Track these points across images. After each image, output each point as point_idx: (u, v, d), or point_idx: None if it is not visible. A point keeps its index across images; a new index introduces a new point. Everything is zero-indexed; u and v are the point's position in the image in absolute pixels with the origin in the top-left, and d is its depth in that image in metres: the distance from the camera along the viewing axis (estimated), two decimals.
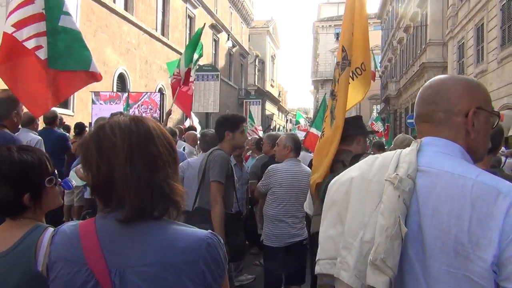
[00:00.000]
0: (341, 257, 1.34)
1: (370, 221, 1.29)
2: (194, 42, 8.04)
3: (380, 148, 8.16)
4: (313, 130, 8.73)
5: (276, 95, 54.23)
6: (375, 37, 45.35)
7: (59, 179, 1.85)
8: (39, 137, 4.66)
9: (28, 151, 1.76)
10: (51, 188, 1.78)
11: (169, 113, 7.38)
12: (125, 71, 19.34)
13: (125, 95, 12.79)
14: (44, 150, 5.14)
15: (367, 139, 4.39)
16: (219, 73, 13.52)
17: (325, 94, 12.84)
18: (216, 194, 3.52)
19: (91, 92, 15.07)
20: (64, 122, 7.68)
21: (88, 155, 1.24)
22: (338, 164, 2.95)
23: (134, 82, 19.99)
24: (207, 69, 13.68)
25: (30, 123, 4.80)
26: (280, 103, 58.57)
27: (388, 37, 39.58)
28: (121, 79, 19.26)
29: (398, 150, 1.39)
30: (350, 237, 1.33)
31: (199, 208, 3.70)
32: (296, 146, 4.37)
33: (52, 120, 6.36)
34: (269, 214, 4.26)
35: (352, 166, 1.51)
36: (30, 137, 4.54)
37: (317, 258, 1.48)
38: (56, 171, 1.83)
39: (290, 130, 24.01)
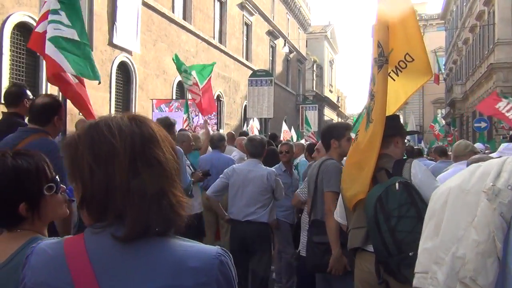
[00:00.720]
0: (431, 272, 1.28)
1: (464, 235, 1.20)
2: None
3: (442, 154, 7.70)
4: (352, 135, 8.48)
5: (335, 100, 53.49)
6: (439, 39, 43.60)
7: (63, 186, 1.68)
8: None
9: (25, 156, 1.59)
10: (51, 196, 1.59)
11: (207, 121, 7.68)
12: None
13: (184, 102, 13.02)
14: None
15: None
16: (273, 78, 13.41)
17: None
18: (330, 204, 3.39)
19: (152, 100, 15.55)
20: None
21: (78, 159, 1.03)
22: (381, 173, 2.67)
23: None
24: (261, 74, 13.60)
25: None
26: (339, 108, 57.71)
27: (452, 38, 37.89)
28: (180, 87, 19.70)
29: (504, 157, 1.26)
30: (442, 252, 1.26)
31: (315, 221, 3.63)
32: None
33: None
34: (307, 221, 4.02)
35: (456, 175, 1.38)
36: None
37: (414, 271, 1.42)
38: (57, 177, 1.65)
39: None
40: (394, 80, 2.88)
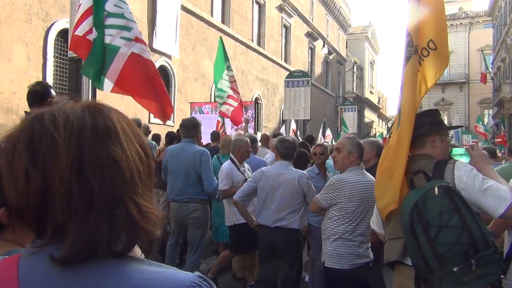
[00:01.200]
0: None
1: None
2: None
3: (492, 155, 7.28)
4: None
5: (375, 102, 52.45)
6: (486, 36, 41.94)
7: None
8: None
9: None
10: None
11: (247, 121, 7.53)
12: None
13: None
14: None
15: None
16: (309, 78, 13.05)
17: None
18: None
19: (190, 103, 15.66)
20: (151, 131, 7.75)
21: (13, 158, 0.80)
22: (418, 177, 2.28)
23: None
24: (297, 75, 13.29)
25: None
26: (380, 110, 56.53)
27: (500, 35, 36.32)
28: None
29: None
30: None
31: None
32: (362, 153, 3.72)
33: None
34: (334, 231, 3.52)
35: None
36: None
37: None
38: None
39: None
40: (418, 70, 2.54)
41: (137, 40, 4.12)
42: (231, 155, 5.02)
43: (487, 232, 2.08)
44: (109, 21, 3.99)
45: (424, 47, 2.54)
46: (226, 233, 5.41)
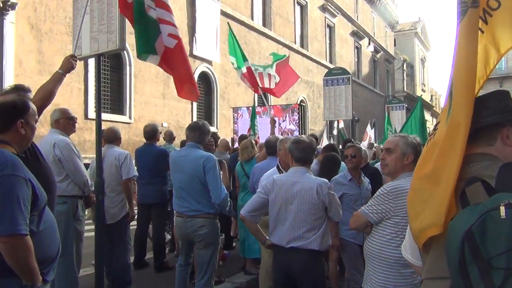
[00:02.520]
0: None
1: None
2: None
3: None
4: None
5: (428, 100, 50.45)
6: None
7: None
8: (127, 152, 4.88)
9: None
10: None
11: (274, 121, 6.92)
12: None
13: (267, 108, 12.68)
14: (134, 165, 4.79)
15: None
16: (350, 75, 12.24)
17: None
18: None
19: (232, 108, 15.46)
20: (175, 138, 7.41)
21: None
22: (474, 188, 1.38)
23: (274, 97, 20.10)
24: (337, 72, 12.52)
25: (115, 140, 4.88)
26: (434, 108, 54.32)
27: None
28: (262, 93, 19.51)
29: None
30: None
31: None
32: (418, 156, 2.68)
33: (153, 135, 5.91)
34: (386, 255, 2.68)
35: None
36: (117, 152, 4.74)
37: None
38: None
39: None
40: (483, 32, 1.67)
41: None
42: (278, 160, 4.27)
43: None
44: None
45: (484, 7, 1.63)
46: (254, 249, 5.00)
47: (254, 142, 6.22)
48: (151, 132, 5.91)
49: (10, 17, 9.68)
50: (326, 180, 3.34)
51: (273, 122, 6.85)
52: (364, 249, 2.84)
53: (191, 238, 3.97)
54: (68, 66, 3.48)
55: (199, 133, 4.03)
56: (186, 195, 3.93)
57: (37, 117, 2.30)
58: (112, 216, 4.59)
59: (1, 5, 9.43)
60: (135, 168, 4.97)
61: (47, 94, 3.17)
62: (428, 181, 1.55)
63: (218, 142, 7.57)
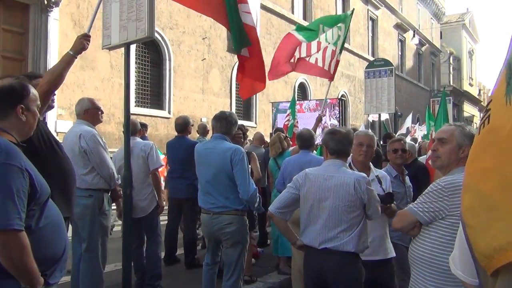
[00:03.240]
0: None
1: None
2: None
3: None
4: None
5: (475, 94, 48.45)
6: None
7: None
8: (151, 142, 4.85)
9: None
10: None
11: (320, 118, 6.38)
12: (306, 81, 19.27)
13: (308, 103, 12.46)
14: (158, 153, 4.71)
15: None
16: (393, 67, 11.60)
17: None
18: None
19: (271, 103, 15.32)
20: (208, 131, 7.15)
21: None
22: None
23: (314, 90, 19.80)
24: (379, 64, 11.92)
25: (135, 132, 4.72)
26: (481, 103, 52.15)
27: None
28: (302, 88, 19.25)
29: None
30: None
31: None
32: None
33: (184, 127, 5.79)
34: (440, 262, 2.24)
35: None
36: (142, 143, 4.66)
37: None
38: None
39: None
40: None
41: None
42: (351, 159, 3.55)
43: None
44: None
45: None
46: (287, 247, 4.80)
47: (283, 136, 5.95)
48: (182, 125, 5.79)
49: (54, 14, 9.92)
50: (364, 175, 3.01)
51: (319, 119, 6.32)
52: (410, 253, 2.46)
53: (218, 236, 3.75)
54: (79, 46, 3.25)
55: (226, 124, 3.79)
56: (212, 190, 3.71)
57: (39, 102, 2.08)
58: (142, 209, 4.50)
59: (46, 3, 9.67)
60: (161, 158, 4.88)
61: (54, 77, 2.94)
62: (490, 181, 1.18)
63: (253, 136, 7.40)
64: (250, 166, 3.93)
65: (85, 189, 3.71)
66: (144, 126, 6.20)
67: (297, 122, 8.65)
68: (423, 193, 2.37)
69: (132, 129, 4.63)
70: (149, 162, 4.56)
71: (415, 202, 2.42)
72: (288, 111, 8.84)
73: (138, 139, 4.78)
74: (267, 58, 16.51)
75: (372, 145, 3.44)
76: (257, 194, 3.68)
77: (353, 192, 2.86)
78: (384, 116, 14.43)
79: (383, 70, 11.69)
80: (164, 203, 4.91)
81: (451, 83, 39.47)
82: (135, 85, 11.91)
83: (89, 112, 3.95)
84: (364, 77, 12.60)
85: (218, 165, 3.64)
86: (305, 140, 4.78)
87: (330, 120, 12.78)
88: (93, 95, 10.61)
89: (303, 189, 3.00)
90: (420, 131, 16.05)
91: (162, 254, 5.29)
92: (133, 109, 11.64)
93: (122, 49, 12.80)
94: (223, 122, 3.79)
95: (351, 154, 3.30)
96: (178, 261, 5.65)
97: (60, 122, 9.69)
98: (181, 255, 5.70)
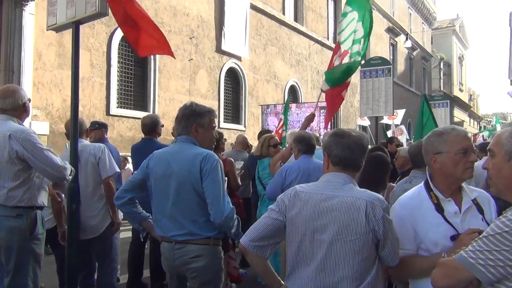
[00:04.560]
0: None
1: None
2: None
3: None
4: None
5: (466, 100, 48.46)
6: None
7: None
8: (103, 144, 3.96)
9: None
10: None
11: (312, 117, 5.18)
12: (296, 83, 18.80)
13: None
14: (112, 158, 3.79)
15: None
16: (391, 66, 10.83)
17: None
18: None
19: (260, 105, 14.81)
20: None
21: None
22: None
23: (305, 94, 19.33)
24: (376, 62, 11.05)
25: (81, 133, 3.80)
26: (471, 108, 52.19)
27: None
28: (293, 91, 18.78)
29: None
30: None
31: None
32: None
33: (152, 128, 4.88)
34: None
35: None
36: (90, 147, 3.81)
37: None
38: None
39: (485, 138, 20.29)
40: None
41: None
42: (428, 173, 2.31)
43: None
44: None
45: None
46: (278, 267, 4.18)
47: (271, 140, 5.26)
48: (150, 125, 4.88)
49: (30, 9, 9.29)
50: (381, 197, 2.02)
51: (311, 117, 5.17)
52: None
53: (182, 272, 2.76)
54: None
55: (189, 120, 2.83)
56: (174, 211, 2.69)
57: None
58: (92, 229, 3.66)
59: None
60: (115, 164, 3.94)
61: None
62: None
63: (235, 139, 6.85)
64: (226, 178, 3.19)
65: (12, 207, 2.91)
66: (102, 126, 5.13)
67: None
68: (483, 234, 1.54)
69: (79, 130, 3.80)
70: (100, 168, 3.73)
71: (468, 248, 1.56)
72: (281, 116, 8.36)
73: (86, 142, 3.95)
74: (258, 59, 15.99)
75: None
76: (235, 215, 2.71)
77: (364, 221, 1.90)
78: (385, 121, 13.77)
79: (380, 70, 10.88)
80: (120, 218, 4.00)
81: (442, 88, 39.37)
82: (117, 85, 11.31)
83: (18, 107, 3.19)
84: (359, 77, 11.83)
85: (183, 176, 2.67)
86: (309, 145, 4.19)
87: (318, 125, 12.29)
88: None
89: (290, 213, 2.04)
90: (404, 135, 15.55)
91: (124, 278, 4.57)
92: (115, 110, 11.05)
93: (104, 47, 12.18)
94: (188, 118, 2.85)
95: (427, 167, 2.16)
96: (145, 287, 4.84)
97: (35, 123, 9.07)
98: (148, 278, 4.81)
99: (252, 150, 6.40)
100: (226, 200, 2.67)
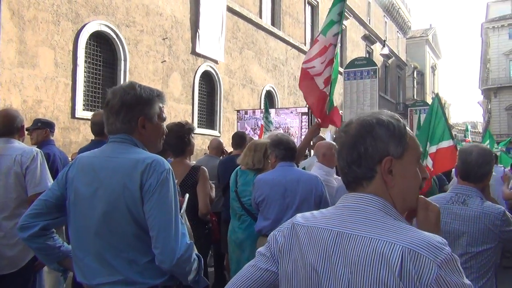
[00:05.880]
0: None
1: None
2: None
3: None
4: (432, 148, 4.78)
5: None
6: None
7: None
8: (35, 148, 3.06)
9: None
10: None
11: (317, 128, 4.25)
12: (273, 88, 18.39)
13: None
14: (46, 169, 2.85)
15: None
16: (376, 67, 10.15)
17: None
18: None
19: (236, 110, 14.31)
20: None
21: None
22: None
23: (282, 99, 18.94)
24: (361, 64, 10.39)
25: (9, 131, 3.04)
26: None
27: None
28: (269, 96, 18.35)
29: None
30: None
31: None
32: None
33: (103, 128, 3.68)
34: None
35: None
36: (17, 150, 2.86)
37: None
38: None
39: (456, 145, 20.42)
40: None
41: None
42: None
43: None
44: None
45: None
46: None
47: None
48: (100, 124, 3.78)
49: None
50: (441, 240, 1.03)
51: (316, 130, 4.29)
52: None
53: None
54: None
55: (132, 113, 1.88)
56: (102, 246, 1.76)
57: None
58: (10, 261, 2.78)
59: None
60: (50, 175, 3.02)
61: None
62: None
63: (209, 143, 6.25)
64: (185, 197, 2.12)
65: None
66: (47, 125, 4.28)
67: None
68: None
69: (7, 125, 2.98)
70: (26, 182, 2.82)
71: None
72: (261, 123, 7.88)
73: (18, 143, 3.00)
74: (234, 63, 15.51)
75: None
76: (193, 254, 1.79)
77: (397, 280, 0.97)
78: None
79: (366, 71, 10.25)
80: None
81: (415, 97, 39.75)
82: (84, 86, 10.62)
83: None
84: (343, 79, 11.15)
85: (114, 194, 1.74)
86: (288, 148, 3.47)
87: (297, 131, 11.89)
88: (33, 96, 9.28)
89: (285, 260, 1.19)
90: None
91: None
92: (81, 112, 10.37)
93: (70, 45, 11.39)
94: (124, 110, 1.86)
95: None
96: None
97: None
98: None
99: (227, 156, 5.83)
100: (179, 232, 1.74)
